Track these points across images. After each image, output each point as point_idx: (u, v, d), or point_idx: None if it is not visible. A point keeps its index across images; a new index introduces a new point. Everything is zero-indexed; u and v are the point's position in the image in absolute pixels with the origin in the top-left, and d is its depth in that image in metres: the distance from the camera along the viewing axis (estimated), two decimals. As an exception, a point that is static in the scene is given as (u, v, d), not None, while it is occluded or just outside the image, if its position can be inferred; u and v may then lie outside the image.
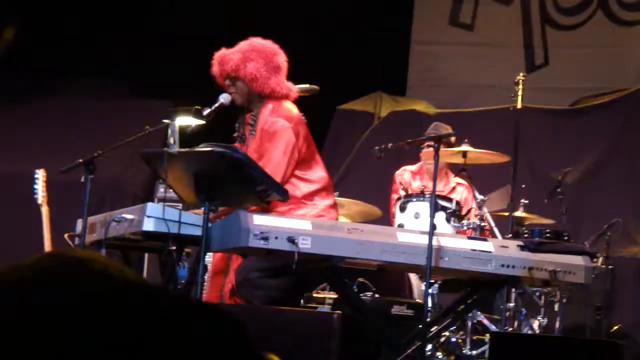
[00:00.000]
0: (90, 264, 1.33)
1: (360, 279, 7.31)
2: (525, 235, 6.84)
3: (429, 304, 6.35)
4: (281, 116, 5.51)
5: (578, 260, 5.53)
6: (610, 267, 8.45)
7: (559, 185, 8.45)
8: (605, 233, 8.42)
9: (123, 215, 5.24)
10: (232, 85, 5.63)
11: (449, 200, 7.38)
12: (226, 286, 5.59)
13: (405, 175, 8.22)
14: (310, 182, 5.59)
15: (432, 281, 7.27)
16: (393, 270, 6.80)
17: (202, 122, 5.51)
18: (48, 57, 10.46)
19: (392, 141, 6.56)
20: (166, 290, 1.35)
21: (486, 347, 7.31)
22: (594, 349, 5.39)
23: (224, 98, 5.61)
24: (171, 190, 5.35)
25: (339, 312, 5.32)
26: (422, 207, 7.22)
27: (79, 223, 5.64)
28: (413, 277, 7.63)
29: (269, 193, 5.06)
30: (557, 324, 7.79)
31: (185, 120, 5.50)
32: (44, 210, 6.87)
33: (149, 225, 5.02)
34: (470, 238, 5.72)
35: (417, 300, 7.46)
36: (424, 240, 5.18)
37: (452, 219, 7.20)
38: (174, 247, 5.03)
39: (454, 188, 8.14)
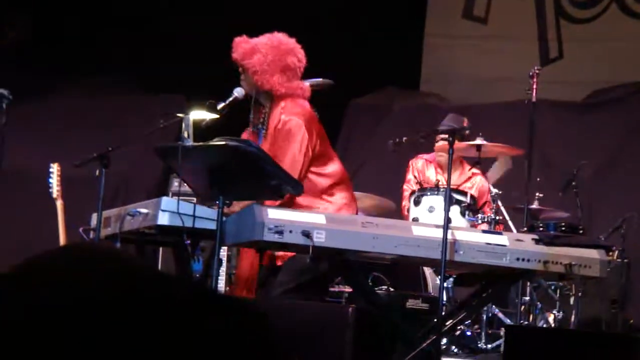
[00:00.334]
0: (112, 257, 1.33)
1: (375, 273, 7.31)
2: (541, 229, 6.83)
3: (444, 297, 6.34)
4: (294, 114, 5.48)
5: (593, 253, 5.50)
6: (625, 260, 8.43)
7: (574, 178, 8.42)
8: (621, 226, 8.40)
9: (138, 209, 5.24)
10: (242, 72, 5.62)
11: (464, 194, 7.37)
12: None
13: (419, 163, 8.19)
14: (327, 176, 5.57)
15: (447, 275, 7.26)
16: (408, 264, 6.80)
17: (216, 116, 5.50)
18: (64, 52, 10.48)
19: (406, 135, 6.55)
20: (197, 282, 1.35)
21: (501, 340, 7.31)
22: (609, 343, 5.37)
23: (238, 92, 5.60)
24: (185, 184, 5.35)
25: (353, 305, 5.31)
26: (436, 201, 7.21)
27: (94, 217, 5.65)
28: (428, 271, 7.62)
29: (282, 187, 5.05)
30: (573, 318, 7.77)
31: (200, 114, 5.49)
32: (59, 204, 6.89)
33: (163, 219, 5.03)
34: (485, 232, 5.71)
35: (431, 294, 7.45)
36: (438, 234, 5.17)
37: (467, 212, 7.19)
38: (189, 241, 5.04)
39: (469, 178, 8.11)
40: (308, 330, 4.75)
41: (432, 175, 8.05)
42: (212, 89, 5.74)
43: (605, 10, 10.95)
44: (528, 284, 7.54)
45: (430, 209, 7.24)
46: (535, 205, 7.93)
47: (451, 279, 7.51)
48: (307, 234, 4.86)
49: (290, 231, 4.85)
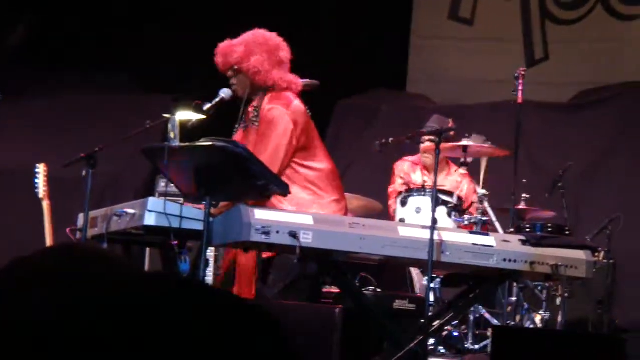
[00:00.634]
0: (101, 258, 1.33)
1: (363, 274, 7.31)
2: (527, 230, 6.84)
3: (431, 298, 6.35)
4: (279, 104, 5.53)
5: (580, 254, 5.52)
6: (611, 261, 8.46)
7: (560, 179, 8.44)
8: (607, 227, 8.43)
9: (124, 210, 5.23)
10: (235, 76, 5.64)
11: (451, 194, 7.38)
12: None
13: (405, 165, 8.20)
14: (316, 170, 5.59)
15: (434, 276, 7.27)
16: (395, 264, 6.80)
17: (202, 116, 5.51)
18: (48, 52, 10.46)
19: (392, 136, 6.56)
20: (189, 281, 1.34)
21: (488, 341, 7.32)
22: (596, 344, 5.39)
23: (225, 93, 5.61)
24: (172, 184, 5.35)
25: (341, 306, 5.31)
26: (423, 202, 7.22)
27: (81, 217, 5.64)
28: (415, 272, 7.63)
29: (269, 187, 5.06)
30: (559, 318, 7.79)
31: (186, 115, 5.49)
32: (45, 205, 6.87)
33: (150, 220, 5.02)
34: (471, 232, 5.72)
35: (419, 294, 7.45)
36: (425, 234, 5.17)
37: (454, 213, 7.21)
38: (176, 242, 5.03)
39: (455, 178, 8.12)
40: (296, 331, 4.75)
41: (419, 177, 8.05)
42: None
43: (591, 12, 10.98)
44: (515, 284, 7.55)
45: (417, 210, 7.25)
46: (521, 206, 7.94)
47: (438, 280, 7.52)
48: (294, 235, 4.86)
49: (278, 232, 4.85)
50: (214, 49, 5.71)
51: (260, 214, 4.88)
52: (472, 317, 7.55)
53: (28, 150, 9.21)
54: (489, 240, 5.36)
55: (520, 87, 7.92)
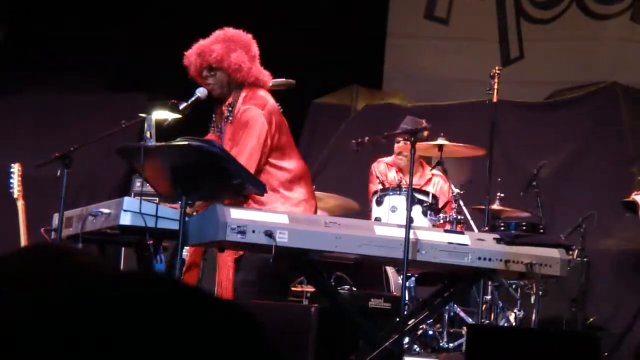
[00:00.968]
0: (74, 257, 1.33)
1: (338, 273, 7.32)
2: (502, 228, 6.87)
3: (406, 297, 6.36)
4: (254, 104, 5.54)
5: (554, 252, 5.55)
6: (585, 259, 8.51)
7: (535, 178, 8.48)
8: (581, 226, 8.47)
9: (100, 210, 5.22)
10: (211, 76, 5.63)
11: (426, 193, 7.41)
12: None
13: (380, 166, 8.24)
14: (286, 170, 5.60)
15: (409, 274, 7.30)
16: (370, 263, 6.82)
17: (178, 116, 5.50)
18: (23, 52, 10.42)
19: (368, 134, 6.57)
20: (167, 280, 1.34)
21: (463, 339, 7.35)
22: (570, 341, 5.41)
23: (201, 92, 5.61)
24: (148, 184, 5.34)
25: (316, 305, 5.32)
26: (398, 201, 7.24)
27: (55, 217, 5.62)
28: (390, 271, 7.65)
29: (245, 187, 5.06)
30: (534, 317, 7.81)
31: (162, 114, 5.49)
32: (20, 205, 6.85)
33: (125, 219, 5.01)
34: (446, 231, 5.74)
35: (394, 293, 7.47)
36: (400, 233, 5.19)
37: (429, 212, 7.23)
38: (151, 241, 5.02)
39: (429, 179, 8.16)
40: (270, 330, 4.75)
41: (394, 178, 8.08)
42: (175, 89, 5.73)
43: (566, 11, 11.02)
44: (489, 283, 7.58)
45: (393, 209, 7.27)
46: (496, 205, 7.97)
47: (413, 278, 7.54)
48: (269, 234, 4.87)
49: (253, 231, 4.85)
50: (184, 49, 5.70)
51: (236, 214, 4.88)
52: (446, 316, 7.58)
53: (2, 150, 9.17)
54: (464, 238, 5.39)
55: (495, 86, 7.96)
